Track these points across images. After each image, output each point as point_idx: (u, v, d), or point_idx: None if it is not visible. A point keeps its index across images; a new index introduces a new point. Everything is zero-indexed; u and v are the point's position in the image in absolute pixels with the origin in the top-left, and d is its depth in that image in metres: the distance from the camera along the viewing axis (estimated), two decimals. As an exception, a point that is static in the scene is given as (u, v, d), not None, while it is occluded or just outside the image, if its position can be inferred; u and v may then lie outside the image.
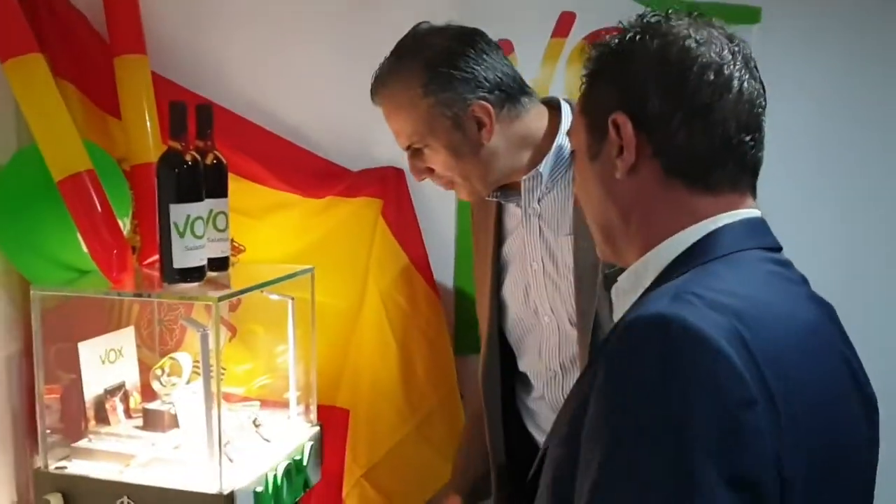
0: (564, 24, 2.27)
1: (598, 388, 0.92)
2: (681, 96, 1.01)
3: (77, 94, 2.00)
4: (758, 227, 1.05)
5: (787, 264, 1.05)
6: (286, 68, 2.19)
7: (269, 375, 2.12)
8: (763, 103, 1.04)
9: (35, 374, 1.77)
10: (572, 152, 1.30)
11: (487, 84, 1.65)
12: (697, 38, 1.02)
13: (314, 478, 1.95)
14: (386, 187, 2.20)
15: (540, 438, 1.84)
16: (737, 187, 1.04)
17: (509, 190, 1.76)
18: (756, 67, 1.05)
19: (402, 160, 2.19)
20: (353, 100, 2.18)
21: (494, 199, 1.79)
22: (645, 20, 1.08)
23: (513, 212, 1.81)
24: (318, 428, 1.99)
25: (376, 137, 2.19)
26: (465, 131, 1.65)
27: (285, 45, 2.18)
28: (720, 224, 1.02)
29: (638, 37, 1.05)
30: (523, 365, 1.86)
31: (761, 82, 1.05)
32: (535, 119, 1.69)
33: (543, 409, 1.84)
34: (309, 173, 2.19)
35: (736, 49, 1.03)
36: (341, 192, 2.19)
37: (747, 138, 1.02)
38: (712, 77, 1.00)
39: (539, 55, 2.28)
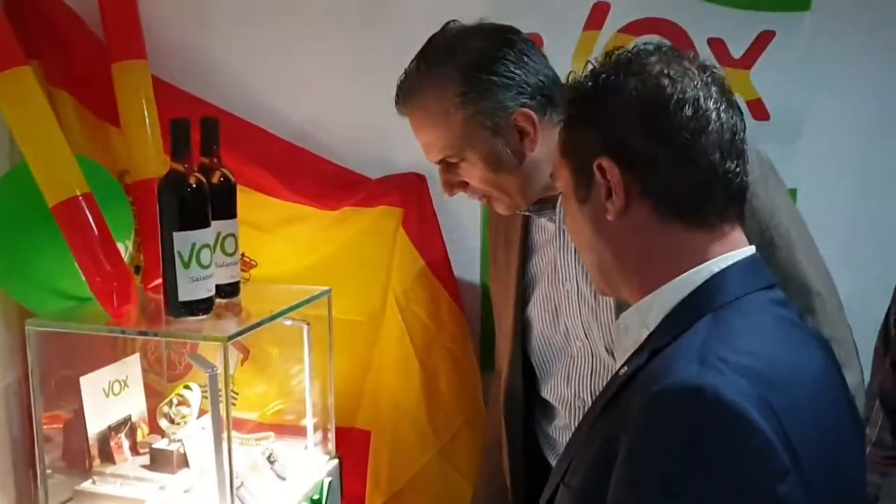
0: (598, 15, 2.09)
1: (626, 457, 0.92)
2: (663, 134, 1.01)
3: (73, 103, 1.88)
4: (757, 267, 1.05)
5: (785, 303, 1.06)
6: (298, 69, 2.04)
7: (282, 400, 2.00)
8: (743, 127, 1.05)
9: (33, 412, 1.66)
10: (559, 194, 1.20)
11: (529, 89, 1.50)
12: (671, 73, 1.02)
13: (333, 514, 1.83)
14: (407, 195, 2.05)
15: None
16: (726, 217, 1.04)
17: (541, 202, 1.61)
18: (731, 92, 1.05)
19: (423, 165, 2.07)
20: (370, 102, 2.04)
21: (523, 213, 1.64)
22: (616, 59, 1.07)
23: (542, 226, 1.67)
24: (336, 461, 1.88)
25: (396, 142, 2.05)
26: (506, 141, 1.50)
27: (296, 44, 2.04)
28: (723, 266, 1.02)
29: (612, 77, 1.05)
30: (547, 390, 1.72)
31: (738, 108, 1.06)
32: None
33: (564, 438, 1.69)
34: (323, 182, 2.05)
35: (709, 79, 1.03)
36: (358, 202, 2.05)
37: (732, 166, 1.02)
38: (690, 112, 1.00)
39: (570, 49, 2.10)
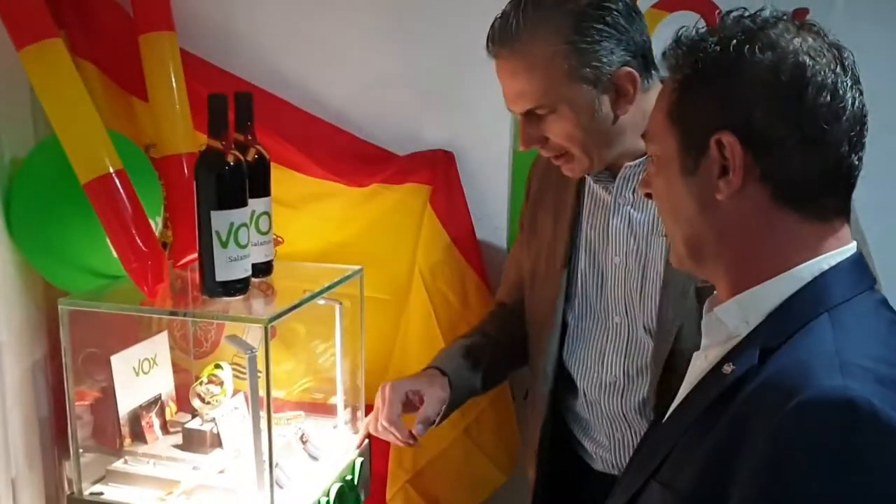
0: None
1: (762, 469, 0.86)
2: (796, 118, 0.94)
3: (99, 75, 1.83)
4: (863, 266, 1.01)
5: (889, 306, 1.02)
6: (327, 44, 2.00)
7: (311, 378, 1.98)
8: (867, 116, 0.99)
9: (66, 391, 1.63)
10: (651, 158, 1.11)
11: (634, 47, 1.43)
12: (810, 52, 0.95)
13: (365, 494, 1.83)
14: (435, 173, 2.02)
15: (587, 445, 1.70)
16: (841, 211, 1.00)
17: (602, 170, 1.57)
18: (860, 80, 0.98)
19: (452, 142, 2.04)
20: (400, 77, 2.02)
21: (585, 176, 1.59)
22: (743, 25, 0.99)
23: (596, 193, 1.61)
24: (367, 440, 1.86)
25: (425, 118, 2.04)
26: (603, 99, 1.44)
27: (326, 17, 1.99)
28: (833, 263, 0.97)
29: (746, 47, 0.96)
30: (573, 360, 1.68)
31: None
32: (655, 96, 1.50)
33: (594, 417, 1.66)
34: (351, 159, 2.02)
35: (846, 62, 0.97)
36: (386, 179, 2.02)
37: (856, 160, 0.98)
38: (829, 98, 0.94)
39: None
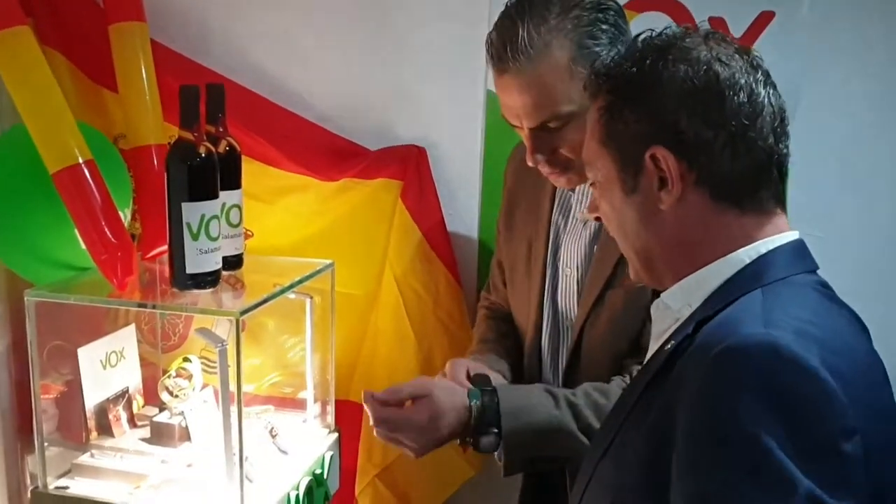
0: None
1: (698, 414, 0.90)
2: (720, 121, 0.99)
3: (68, 65, 1.81)
4: (802, 251, 1.05)
5: (828, 286, 1.05)
6: (301, 38, 1.99)
7: (280, 372, 1.98)
8: (785, 108, 1.04)
9: (31, 385, 1.60)
10: (593, 183, 1.12)
11: None
12: (721, 57, 1.00)
13: (333, 488, 1.83)
14: (407, 168, 2.02)
15: None
16: (777, 200, 1.04)
17: None
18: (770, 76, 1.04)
19: (424, 138, 2.05)
20: (372, 72, 2.01)
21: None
22: (653, 43, 1.05)
23: (563, 203, 1.64)
24: (336, 434, 1.86)
25: (397, 113, 2.03)
26: None
27: (300, 12, 1.99)
28: (770, 247, 1.01)
29: (660, 62, 1.01)
30: (548, 360, 1.69)
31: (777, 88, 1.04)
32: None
33: None
34: (323, 153, 2.01)
35: (755, 62, 1.02)
36: (358, 174, 2.01)
37: (783, 148, 1.03)
38: (746, 97, 0.99)
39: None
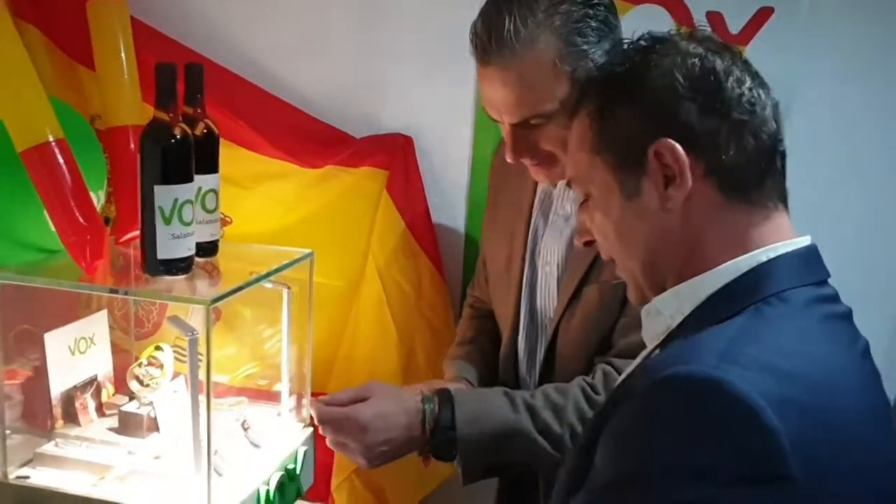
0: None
1: (617, 430, 0.88)
2: (722, 107, 0.95)
3: (43, 40, 1.77)
4: (811, 260, 0.99)
5: (836, 300, 1.00)
6: (285, 19, 1.95)
7: (255, 364, 1.92)
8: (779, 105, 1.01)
9: (-7, 368, 1.55)
10: (584, 201, 1.06)
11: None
12: (710, 48, 0.98)
13: (306, 484, 1.77)
14: (393, 157, 1.98)
15: None
16: (781, 196, 1.00)
17: None
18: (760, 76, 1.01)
19: (410, 126, 2.00)
20: (359, 56, 1.97)
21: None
22: (640, 45, 1.02)
23: (545, 200, 1.61)
24: (311, 429, 1.80)
25: (383, 100, 1.98)
26: None
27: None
28: (773, 255, 0.96)
29: (652, 56, 0.99)
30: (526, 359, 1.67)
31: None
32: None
33: None
34: (306, 139, 1.97)
35: (745, 60, 1.00)
36: (342, 162, 1.97)
37: (782, 136, 0.99)
38: (742, 85, 0.96)
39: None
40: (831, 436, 0.84)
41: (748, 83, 0.96)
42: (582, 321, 1.50)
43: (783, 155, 0.99)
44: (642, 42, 1.02)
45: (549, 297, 1.57)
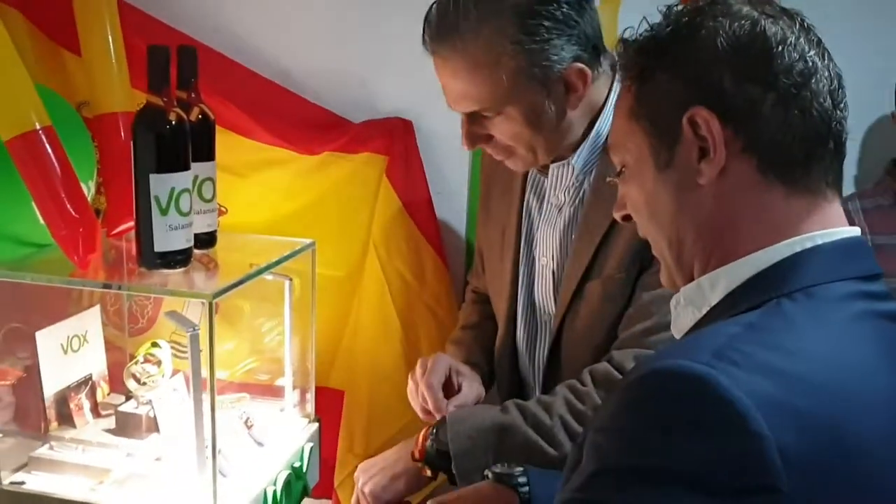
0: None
1: (597, 423, 0.84)
2: (768, 77, 0.87)
3: (27, 25, 1.70)
4: (855, 252, 0.90)
5: (884, 298, 0.89)
6: (280, 2, 1.86)
7: (256, 358, 1.86)
8: (843, 77, 0.92)
9: (-17, 371, 1.48)
10: (620, 171, 1.00)
11: (585, 40, 1.34)
12: (766, 12, 0.90)
13: (313, 481, 1.72)
14: (392, 142, 1.92)
15: None
16: (831, 182, 0.91)
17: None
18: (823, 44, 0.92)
19: (410, 111, 1.93)
20: (356, 38, 1.91)
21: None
22: (692, 6, 0.93)
23: (537, 186, 1.56)
24: (316, 424, 1.75)
25: (382, 85, 1.92)
26: (552, 97, 1.35)
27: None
28: (811, 244, 0.88)
29: (699, 18, 0.91)
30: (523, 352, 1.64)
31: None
32: (604, 84, 1.42)
33: None
34: (303, 125, 1.91)
35: (805, 23, 0.91)
36: (340, 147, 1.92)
37: (842, 115, 0.90)
38: (796, 54, 0.88)
39: None
40: (838, 451, 0.76)
41: (806, 52, 0.88)
42: (588, 318, 1.46)
43: (841, 132, 0.91)
44: (694, 5, 0.94)
45: (547, 291, 1.53)
